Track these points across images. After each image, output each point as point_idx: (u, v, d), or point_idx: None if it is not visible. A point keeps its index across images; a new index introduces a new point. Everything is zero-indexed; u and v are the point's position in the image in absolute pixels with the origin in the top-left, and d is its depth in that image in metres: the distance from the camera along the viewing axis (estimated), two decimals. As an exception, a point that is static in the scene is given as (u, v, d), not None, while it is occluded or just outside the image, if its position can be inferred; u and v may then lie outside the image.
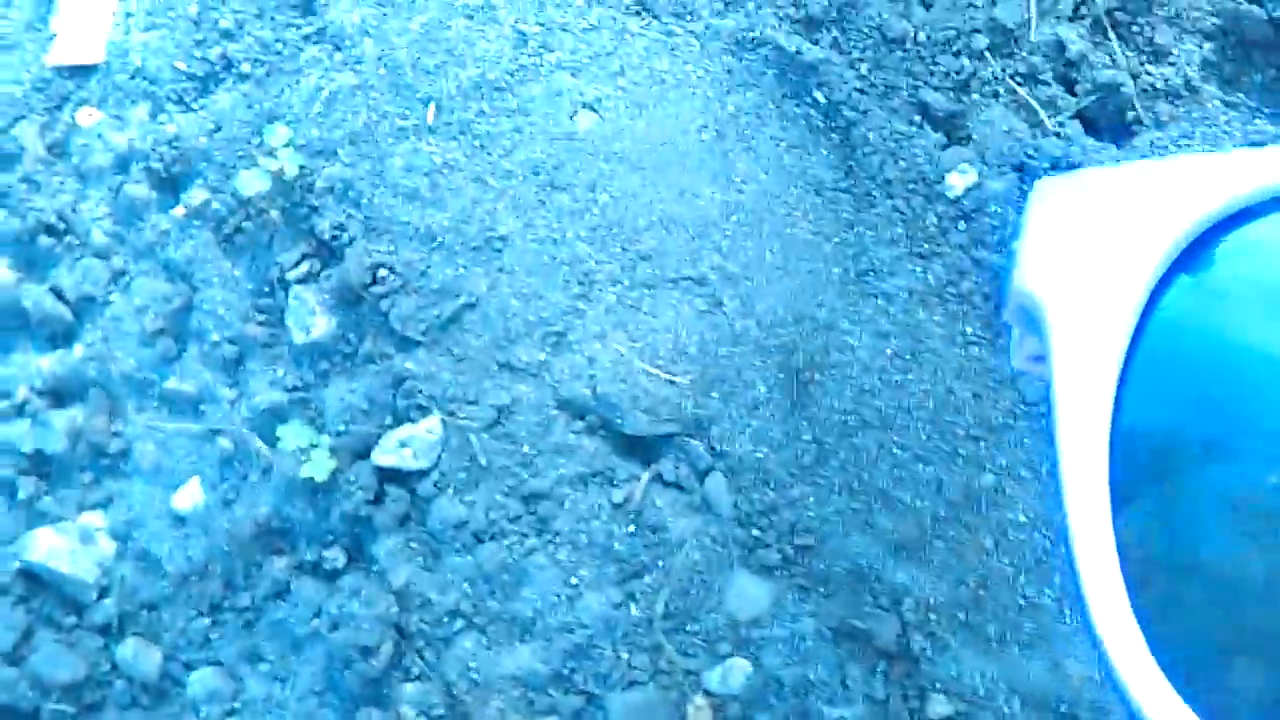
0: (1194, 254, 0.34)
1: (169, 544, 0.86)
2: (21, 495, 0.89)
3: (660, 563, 0.74)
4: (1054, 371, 0.33)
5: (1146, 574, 0.32)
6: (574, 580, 0.75)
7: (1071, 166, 0.69)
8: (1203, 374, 0.34)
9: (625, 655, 0.74)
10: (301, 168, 0.81)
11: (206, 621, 0.85)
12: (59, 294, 0.89)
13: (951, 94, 0.71)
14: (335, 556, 0.82)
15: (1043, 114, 0.68)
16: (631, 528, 0.75)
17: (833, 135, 0.73)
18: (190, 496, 0.86)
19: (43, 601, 0.87)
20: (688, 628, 0.73)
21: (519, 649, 0.77)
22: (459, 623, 0.78)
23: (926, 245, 0.71)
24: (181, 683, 0.85)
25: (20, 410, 0.91)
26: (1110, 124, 0.71)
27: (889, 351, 0.70)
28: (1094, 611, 0.32)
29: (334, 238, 0.80)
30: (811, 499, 0.71)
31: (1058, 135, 0.69)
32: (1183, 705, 0.31)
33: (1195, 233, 0.34)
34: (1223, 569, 0.33)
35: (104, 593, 0.87)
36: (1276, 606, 0.32)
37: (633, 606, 0.74)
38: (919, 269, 0.71)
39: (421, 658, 0.79)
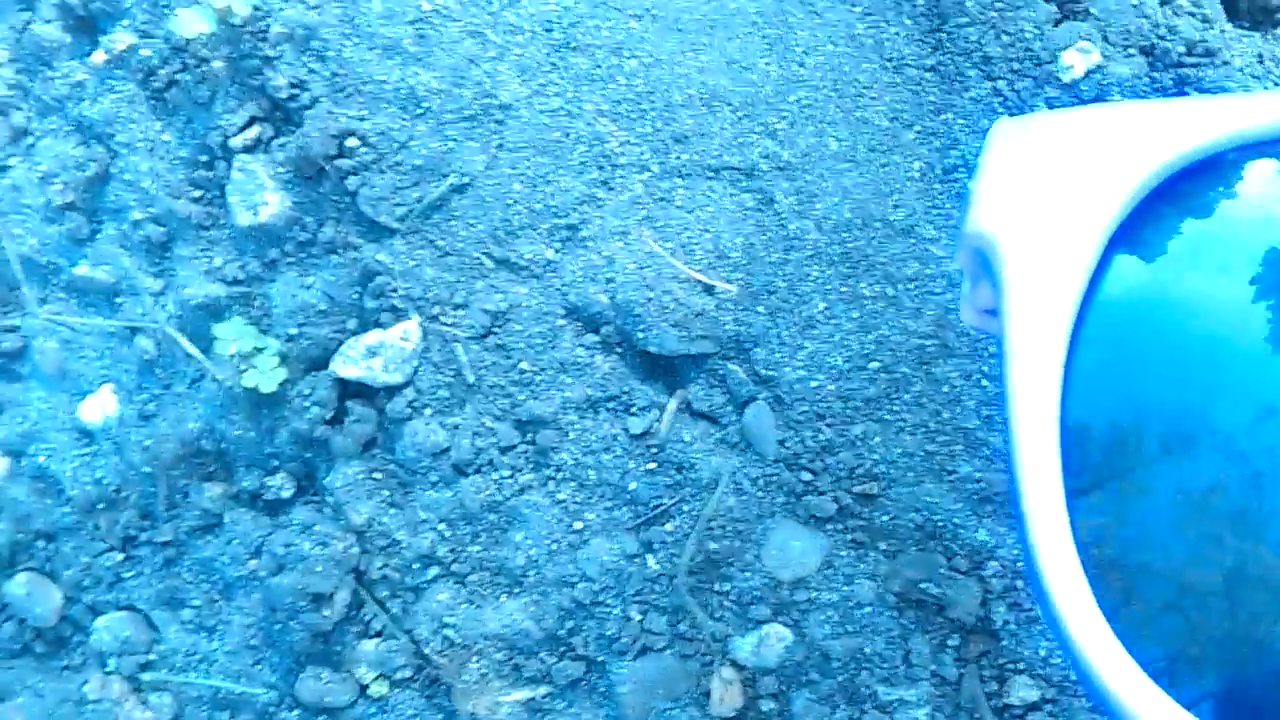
0: (1156, 200, 0.34)
1: (73, 463, 0.71)
2: (-110, 397, 0.73)
3: (686, 508, 0.61)
4: (1006, 311, 0.33)
5: (1100, 539, 0.32)
6: (578, 525, 0.62)
7: (1208, 54, 0.57)
8: (1158, 325, 0.33)
9: (638, 616, 0.61)
10: (255, 8, 0.65)
11: (118, 557, 0.70)
12: (-58, 151, 0.72)
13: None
14: (280, 485, 0.67)
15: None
16: (652, 465, 0.61)
17: (918, 1, 0.60)
18: (100, 407, 0.71)
19: (-86, 527, 0.71)
20: (716, 587, 0.60)
21: (505, 604, 0.63)
22: (433, 570, 0.64)
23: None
24: (85, 629, 0.70)
25: (-109, 295, 0.75)
26: (1255, 8, 0.59)
27: (983, 264, 0.57)
28: (1042, 562, 0.31)
29: (292, 97, 0.64)
30: (877, 438, 0.59)
31: (1194, 15, 0.56)
32: (1140, 674, 0.31)
33: (1159, 179, 0.34)
34: (1177, 544, 0.32)
35: (-9, 519, 0.71)
36: (1231, 567, 0.32)
37: (650, 559, 0.61)
38: (1025, 165, 0.58)
39: (385, 610, 0.65)
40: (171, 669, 0.70)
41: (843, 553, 0.60)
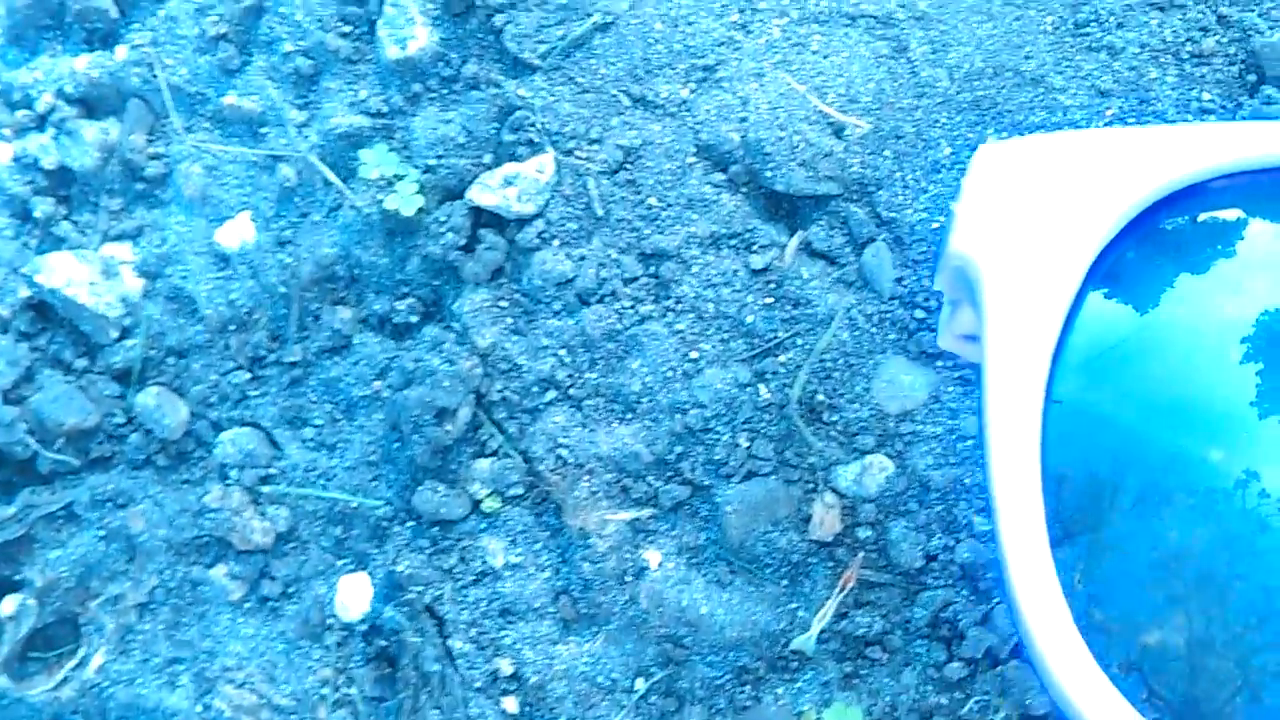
0: (1141, 227, 0.34)
1: (208, 285, 0.75)
2: (38, 216, 0.77)
3: (800, 341, 0.64)
4: (986, 334, 0.33)
5: (1079, 566, 0.32)
6: (694, 354, 0.65)
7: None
8: (1140, 348, 0.33)
9: (746, 443, 0.64)
10: None
11: (245, 376, 0.74)
12: (110, -25, 0.76)
13: None
14: (409, 310, 0.71)
15: None
16: (770, 300, 0.64)
17: None
18: (238, 232, 0.75)
19: (52, 338, 0.75)
20: (825, 417, 0.63)
21: (618, 429, 0.66)
22: (550, 394, 0.67)
23: None
24: (208, 444, 0.74)
25: (43, 121, 0.79)
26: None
27: (1109, 112, 0.60)
28: (1017, 587, 0.32)
29: (447, -62, 0.68)
30: (991, 279, 0.61)
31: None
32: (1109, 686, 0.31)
33: (1144, 205, 0.34)
34: (1161, 554, 0.32)
35: (126, 333, 0.75)
36: (1219, 591, 0.32)
37: (762, 388, 0.64)
38: (1154, 22, 0.61)
39: (502, 431, 0.68)
40: (291, 483, 0.73)
41: (949, 388, 0.62)
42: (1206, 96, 0.60)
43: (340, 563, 0.74)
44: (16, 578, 0.74)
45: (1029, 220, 0.33)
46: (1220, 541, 0.32)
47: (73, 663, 0.74)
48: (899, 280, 0.63)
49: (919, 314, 0.63)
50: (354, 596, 0.72)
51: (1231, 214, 0.35)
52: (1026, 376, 0.32)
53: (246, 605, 0.75)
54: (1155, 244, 0.34)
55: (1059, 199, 0.33)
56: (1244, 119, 0.60)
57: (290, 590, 0.74)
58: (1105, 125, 0.60)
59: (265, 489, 0.74)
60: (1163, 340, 0.34)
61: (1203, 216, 0.34)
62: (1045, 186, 0.33)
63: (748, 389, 0.64)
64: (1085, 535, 0.33)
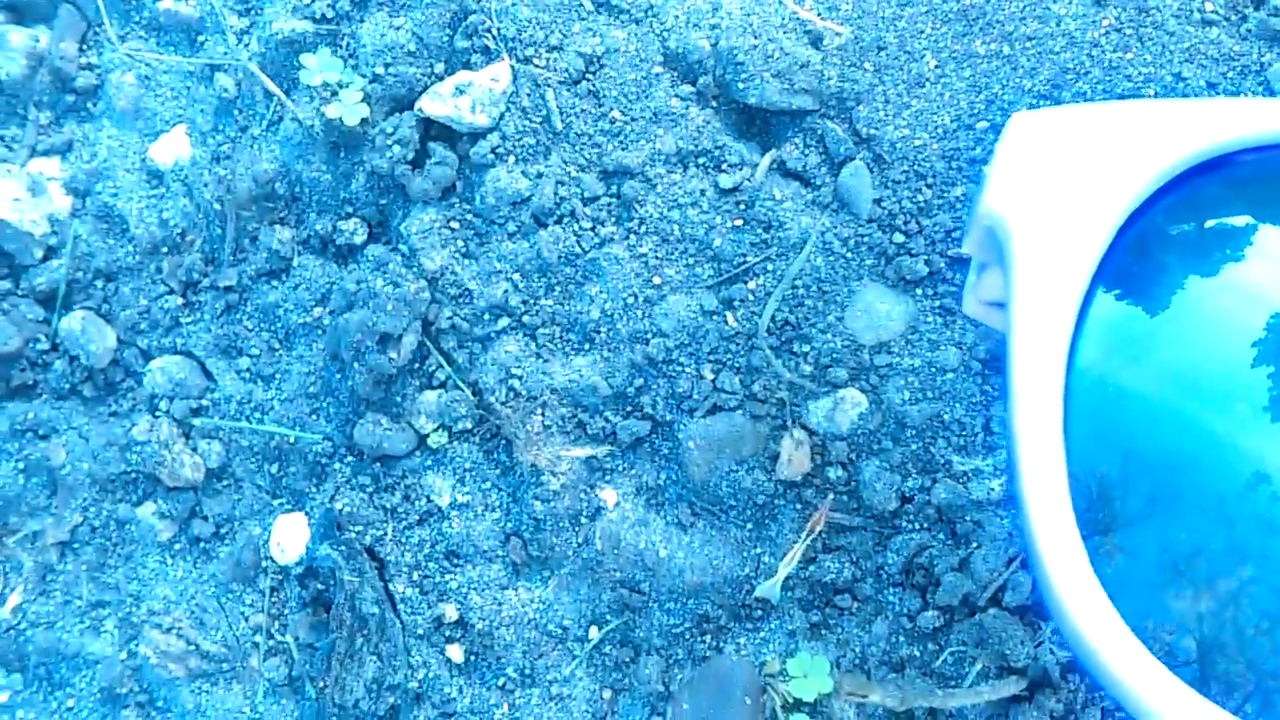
0: (1168, 195, 0.35)
1: (139, 204, 0.69)
2: (-41, 126, 0.72)
3: (770, 267, 0.59)
4: (1013, 287, 0.33)
5: (1102, 525, 0.32)
6: (657, 280, 0.60)
7: None
8: (1163, 312, 0.34)
9: (711, 375, 0.59)
10: None
11: (177, 302, 0.69)
12: None
13: None
14: (353, 230, 0.66)
15: None
16: (739, 222, 0.60)
17: None
18: (172, 148, 0.69)
19: (-27, 258, 0.70)
20: (795, 348, 0.59)
21: (575, 359, 0.62)
22: (503, 321, 0.63)
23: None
24: (137, 374, 0.69)
25: (-33, 26, 0.73)
26: None
27: (1105, 22, 0.56)
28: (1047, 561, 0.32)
29: None
30: (977, 201, 0.57)
31: None
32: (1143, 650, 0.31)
33: (1172, 174, 0.34)
34: (1179, 520, 0.32)
35: (51, 254, 0.70)
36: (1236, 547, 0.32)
37: (729, 316, 0.59)
38: (1159, -76, 0.56)
39: (450, 361, 0.63)
40: (224, 416, 0.68)
41: (929, 318, 0.58)
42: (1209, 7, 0.56)
43: (276, 502, 0.69)
44: (-74, 511, 0.69)
45: (1060, 184, 0.34)
46: (1251, 508, 0.33)
47: (-14, 603, 0.69)
48: (878, 202, 0.59)
49: (899, 238, 0.58)
50: (290, 538, 0.67)
51: (1259, 185, 0.35)
52: (1053, 332, 0.33)
53: (176, 546, 0.70)
54: (1183, 211, 0.35)
55: (1090, 165, 0.34)
56: (1249, 32, 0.55)
57: (222, 531, 0.69)
58: (1101, 35, 0.56)
59: (197, 422, 0.69)
60: (1190, 303, 0.34)
61: (1231, 187, 0.35)
62: (1076, 153, 0.34)
63: (714, 317, 0.60)
64: (1113, 498, 0.33)
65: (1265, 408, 0.33)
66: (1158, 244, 0.35)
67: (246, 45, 0.68)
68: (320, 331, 0.67)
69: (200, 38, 0.70)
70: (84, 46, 0.73)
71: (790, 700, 0.57)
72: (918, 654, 0.58)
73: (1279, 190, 0.35)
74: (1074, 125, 0.35)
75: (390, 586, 0.64)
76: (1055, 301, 0.33)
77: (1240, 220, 0.35)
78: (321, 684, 0.62)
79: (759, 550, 0.61)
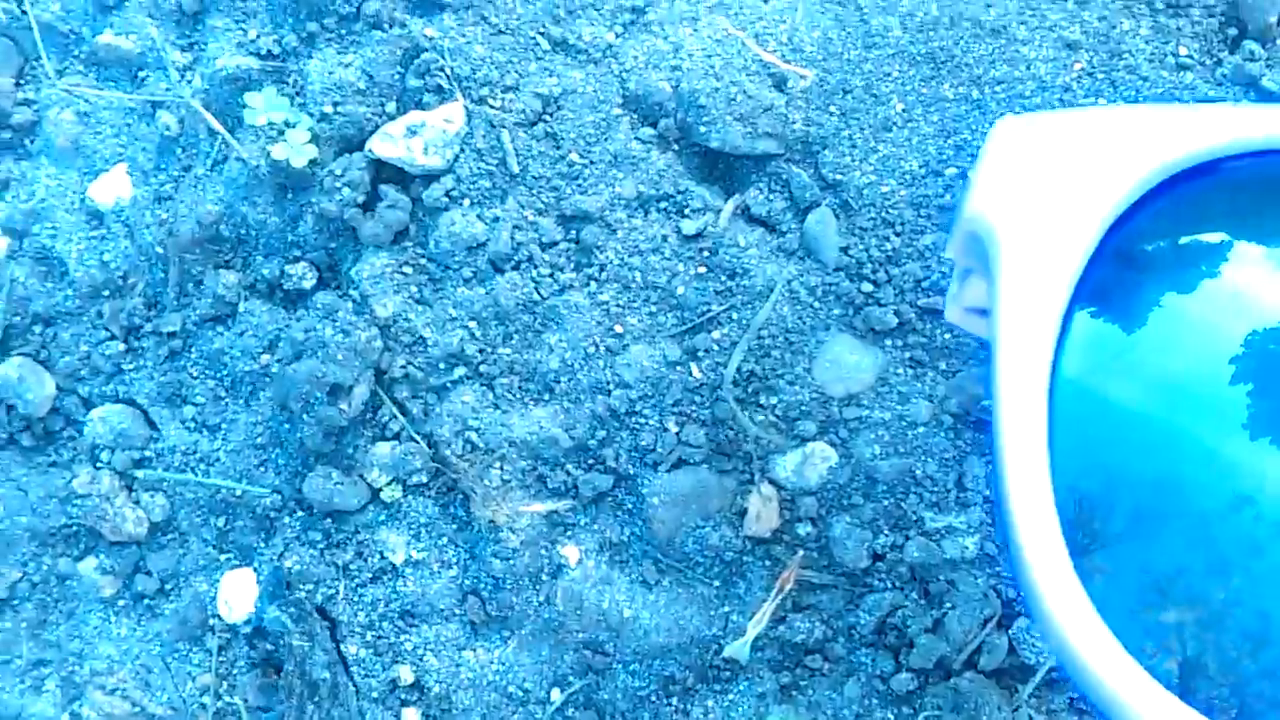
0: (1155, 200, 0.34)
1: (79, 245, 0.67)
2: (-112, 165, 0.69)
3: (735, 316, 0.57)
4: (998, 293, 0.33)
5: (1087, 537, 0.32)
6: (618, 329, 0.58)
7: None
8: (1149, 318, 0.33)
9: (675, 428, 0.57)
10: None
11: (119, 347, 0.66)
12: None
13: None
14: (302, 275, 0.63)
15: None
16: (702, 269, 0.58)
17: None
18: (113, 187, 0.66)
19: (-97, 303, 0.67)
20: (762, 400, 0.57)
21: (534, 410, 0.59)
22: (459, 370, 0.60)
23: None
24: (77, 423, 0.66)
25: (-104, 59, 0.70)
26: None
27: (1078, 67, 0.54)
28: (1029, 559, 0.31)
29: None
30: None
31: None
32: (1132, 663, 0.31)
33: (1158, 179, 0.34)
34: (1169, 530, 0.32)
35: (-14, 298, 0.67)
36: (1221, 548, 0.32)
37: (694, 367, 0.57)
38: (1132, -34, 0.54)
39: (404, 412, 0.61)
40: (168, 468, 0.66)
41: (899, 370, 0.56)
42: (1183, 51, 0.54)
43: (223, 557, 0.66)
44: None
45: (1046, 189, 0.34)
46: (1237, 519, 0.32)
47: (-82, 667, 0.66)
48: (845, 250, 0.57)
49: (867, 287, 0.56)
50: (238, 595, 0.65)
51: (1242, 191, 0.35)
52: (1039, 339, 0.32)
53: (120, 603, 0.67)
54: (1171, 217, 0.34)
55: (1076, 170, 0.34)
56: (1224, 76, 0.54)
57: (168, 587, 0.67)
58: (1072, 79, 0.54)
59: (140, 473, 0.66)
60: (1177, 309, 0.34)
61: (1219, 193, 0.35)
62: (1062, 158, 0.34)
63: (678, 368, 0.58)
64: (1099, 510, 0.33)
65: (1258, 413, 0.32)
66: (1144, 249, 0.34)
67: (189, 82, 0.66)
68: (268, 379, 0.64)
69: (141, 73, 0.67)
70: (20, 81, 0.70)
71: (759, 768, 0.55)
72: (891, 717, 0.56)
73: (1267, 196, 0.35)
74: (1060, 129, 0.35)
75: (342, 648, 0.62)
76: (1040, 307, 0.33)
77: (1229, 226, 0.34)
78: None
79: (727, 609, 0.59)
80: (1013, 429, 0.32)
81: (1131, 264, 0.34)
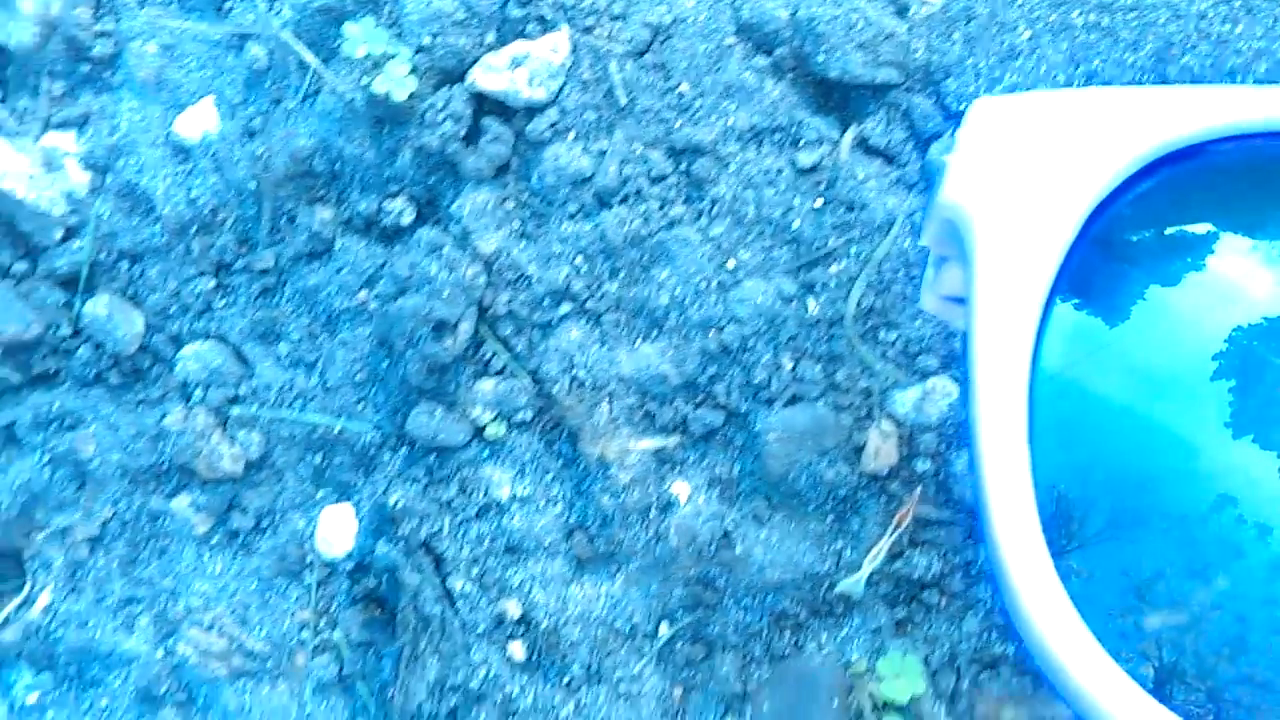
0: (1137, 185, 0.33)
1: (165, 181, 0.65)
2: (-34, 98, 0.67)
3: (854, 250, 0.56)
4: (974, 282, 0.32)
5: (1067, 535, 0.31)
6: (731, 264, 0.57)
7: None
8: (1130, 308, 0.33)
9: (790, 364, 0.57)
10: None
11: (209, 284, 0.65)
12: None
13: None
14: (400, 210, 0.62)
15: None
16: (819, 202, 0.57)
17: None
18: (200, 121, 0.65)
19: (-14, 239, 0.66)
20: (881, 335, 0.56)
21: (642, 347, 0.59)
22: (565, 307, 0.59)
23: None
24: (167, 360, 0.65)
25: (-30, -11, 0.68)
26: None
27: (1215, -7, 0.53)
28: (1006, 558, 0.31)
29: None
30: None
31: None
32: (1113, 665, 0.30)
33: (1140, 164, 0.33)
34: (1150, 525, 0.32)
35: (72, 234, 0.66)
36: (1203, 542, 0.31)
37: (810, 302, 0.56)
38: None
39: (508, 348, 0.60)
40: (263, 405, 0.65)
41: (1023, 305, 0.55)
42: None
43: (320, 494, 0.66)
44: (-50, 510, 0.65)
45: (1024, 174, 0.33)
46: (1219, 519, 0.31)
47: (16, 602, 0.66)
48: (968, 181, 0.55)
49: (990, 220, 0.55)
50: (337, 531, 0.64)
51: (1228, 177, 0.34)
52: (1017, 329, 0.32)
53: (214, 540, 0.67)
54: (1154, 203, 0.34)
55: (1055, 155, 0.33)
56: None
57: (263, 524, 0.66)
58: (1208, 6, 0.53)
59: (234, 411, 0.65)
60: (1158, 298, 0.33)
61: (1199, 178, 0.34)
62: (1042, 142, 0.33)
63: (793, 303, 0.57)
64: (1079, 507, 0.32)
65: (1244, 410, 0.32)
66: (1126, 237, 0.34)
67: (279, 12, 0.64)
68: (366, 316, 0.64)
69: (227, 4, 0.66)
70: (100, 12, 0.68)
71: (881, 702, 0.55)
72: (1011, 652, 0.56)
73: (1249, 180, 0.34)
74: (1039, 112, 0.33)
75: (448, 583, 0.62)
76: (1018, 297, 0.32)
77: (1215, 213, 0.34)
78: (390, 693, 0.60)
79: (840, 545, 0.58)
80: (990, 423, 0.31)
81: (1113, 252, 0.34)
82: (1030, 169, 0.33)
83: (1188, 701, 0.31)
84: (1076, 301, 0.33)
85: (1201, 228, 0.34)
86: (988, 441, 0.31)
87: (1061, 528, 0.32)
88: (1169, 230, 0.34)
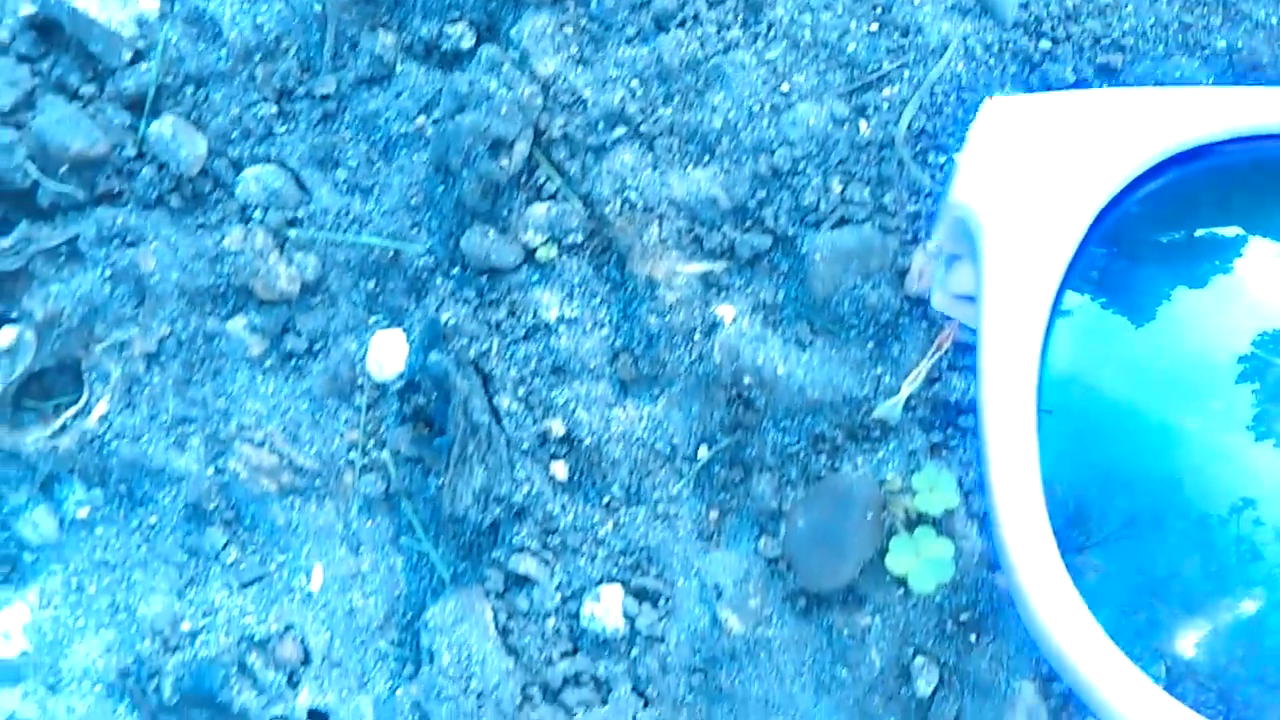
0: (1147, 185, 0.33)
1: (233, 6, 0.67)
2: (41, -78, 0.69)
3: (908, 74, 0.57)
4: (983, 281, 0.32)
5: (1076, 533, 0.31)
6: (785, 88, 0.58)
7: None
8: (1139, 307, 0.33)
9: (839, 187, 0.57)
10: None
11: (271, 110, 0.67)
12: None
13: None
14: (460, 35, 0.63)
15: None
16: (874, 26, 0.57)
17: None
18: (268, -52, 0.66)
19: (56, 61, 0.67)
20: (931, 158, 0.57)
21: (694, 172, 0.60)
22: (619, 130, 0.61)
23: None
24: (227, 185, 0.67)
25: None
26: None
27: None
28: (1009, 541, 0.31)
29: None
30: (1129, 6, 0.55)
31: None
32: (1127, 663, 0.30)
33: (1151, 165, 0.33)
34: (1152, 521, 0.32)
35: (139, 57, 0.67)
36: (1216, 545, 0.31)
37: (862, 124, 0.57)
38: None
39: (561, 173, 0.61)
40: (321, 228, 0.66)
41: (1073, 131, 0.56)
42: None
43: (373, 319, 0.67)
44: (14, 315, 0.67)
45: (1034, 173, 0.33)
46: (1231, 518, 0.32)
47: (74, 410, 0.68)
48: (1024, 5, 0.56)
49: (1044, 44, 0.56)
50: (388, 354, 0.66)
51: (1238, 177, 0.34)
52: (1025, 326, 0.32)
53: (267, 363, 0.68)
54: (1163, 203, 0.34)
55: (1065, 154, 0.33)
56: None
57: (316, 347, 0.68)
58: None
59: (292, 233, 0.67)
60: (1167, 298, 0.33)
61: (1209, 178, 0.34)
62: (1051, 141, 0.33)
63: (845, 126, 0.58)
64: (1087, 506, 0.32)
65: (1252, 409, 0.32)
66: (1135, 236, 0.34)
67: None
68: (423, 141, 0.65)
69: None
70: None
71: (915, 515, 0.56)
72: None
73: (1259, 182, 0.34)
74: (1049, 112, 0.34)
75: (494, 401, 0.63)
76: (1027, 296, 0.32)
77: (1226, 212, 0.34)
78: (441, 481, 0.61)
79: (879, 370, 0.59)
80: (998, 421, 0.31)
81: (1123, 251, 0.34)
82: (1040, 168, 0.33)
83: (1199, 702, 0.31)
84: (1085, 299, 0.33)
85: (1211, 227, 0.34)
86: (995, 437, 0.31)
87: (1070, 525, 0.32)
88: (1178, 230, 0.34)
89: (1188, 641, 0.32)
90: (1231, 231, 0.34)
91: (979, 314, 0.33)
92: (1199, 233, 0.34)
